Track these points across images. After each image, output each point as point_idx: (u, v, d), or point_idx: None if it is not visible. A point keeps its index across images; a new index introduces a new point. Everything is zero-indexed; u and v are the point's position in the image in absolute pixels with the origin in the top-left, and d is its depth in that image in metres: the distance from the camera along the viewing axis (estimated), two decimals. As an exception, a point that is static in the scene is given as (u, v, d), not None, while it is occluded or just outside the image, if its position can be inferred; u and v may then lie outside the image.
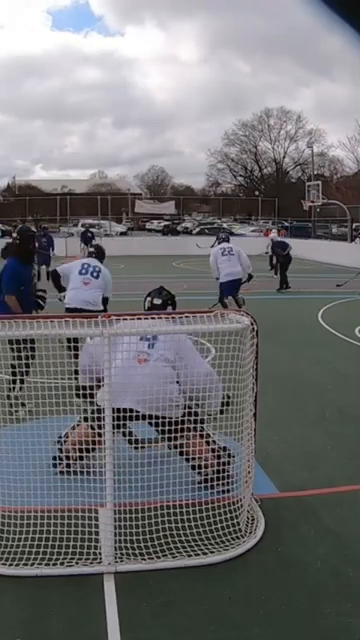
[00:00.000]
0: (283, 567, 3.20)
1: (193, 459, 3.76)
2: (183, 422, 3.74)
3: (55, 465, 3.82)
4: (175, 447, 3.78)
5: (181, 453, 3.77)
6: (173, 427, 3.63)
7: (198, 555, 3.21)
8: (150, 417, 3.70)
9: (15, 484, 3.41)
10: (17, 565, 3.11)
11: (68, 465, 3.78)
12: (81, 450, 3.84)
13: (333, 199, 33.47)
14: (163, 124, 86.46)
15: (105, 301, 6.89)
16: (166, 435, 3.66)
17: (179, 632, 2.70)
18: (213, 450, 3.80)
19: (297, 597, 2.93)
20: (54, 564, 3.11)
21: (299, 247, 30.79)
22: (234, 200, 52.81)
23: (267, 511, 3.69)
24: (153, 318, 3.57)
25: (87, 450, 3.82)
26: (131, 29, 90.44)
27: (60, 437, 3.96)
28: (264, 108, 55.69)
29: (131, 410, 3.54)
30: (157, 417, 3.63)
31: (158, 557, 3.18)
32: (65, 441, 3.94)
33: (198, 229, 39.39)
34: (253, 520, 3.57)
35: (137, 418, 3.65)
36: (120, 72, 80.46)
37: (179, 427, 3.69)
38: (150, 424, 3.78)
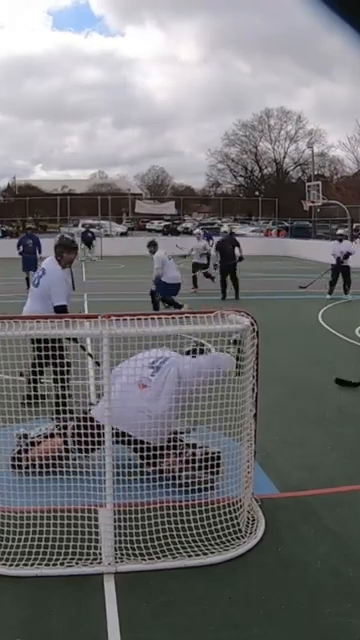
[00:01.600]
0: (283, 567, 3.20)
1: (179, 477, 3.72)
2: (164, 448, 3.73)
3: (13, 466, 3.76)
4: (160, 472, 3.77)
5: (167, 477, 3.75)
6: (157, 453, 3.65)
7: (198, 555, 3.21)
8: (141, 442, 3.69)
9: (15, 484, 3.42)
10: (17, 565, 3.11)
11: (26, 467, 3.74)
12: (47, 458, 3.82)
13: (333, 199, 33.46)
14: (163, 124, 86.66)
15: (59, 311, 5.50)
16: (150, 460, 3.70)
17: (179, 632, 2.70)
18: (195, 461, 3.74)
19: (297, 597, 2.93)
20: (54, 564, 3.11)
21: (299, 247, 30.95)
22: (234, 200, 52.81)
23: (267, 511, 3.69)
24: (153, 318, 3.56)
25: (55, 458, 3.81)
26: (131, 29, 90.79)
27: (25, 436, 3.94)
28: (264, 108, 55.82)
29: (123, 434, 3.52)
30: (146, 442, 3.64)
31: (158, 557, 3.18)
32: (32, 446, 3.92)
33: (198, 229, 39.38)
34: (253, 520, 3.57)
35: (128, 442, 3.66)
36: (120, 72, 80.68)
37: (160, 453, 3.68)
38: (135, 449, 3.76)
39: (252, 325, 3.53)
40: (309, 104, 73.61)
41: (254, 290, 14.63)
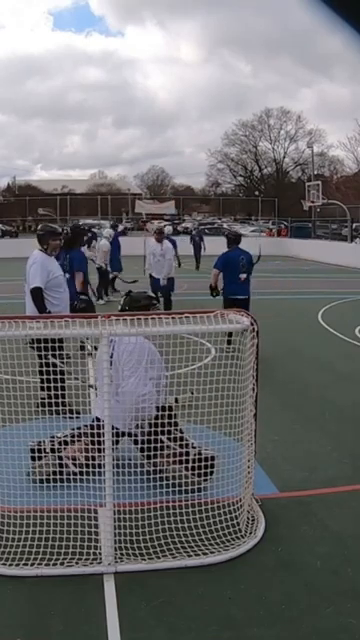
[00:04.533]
0: (283, 567, 3.20)
1: (173, 478, 3.71)
2: (157, 440, 3.71)
3: (33, 458, 3.83)
4: (154, 465, 3.77)
5: (158, 473, 3.75)
6: (151, 445, 3.64)
7: (198, 555, 3.21)
8: (129, 434, 3.72)
9: (15, 484, 3.41)
10: (17, 565, 3.11)
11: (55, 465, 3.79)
12: (74, 458, 3.85)
13: (333, 199, 33.48)
14: (163, 124, 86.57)
15: (33, 293, 5.61)
16: (145, 453, 3.70)
17: (179, 632, 2.70)
18: (188, 461, 3.74)
19: (297, 597, 2.93)
20: (54, 564, 3.11)
21: (299, 247, 30.95)
22: (234, 200, 52.85)
23: (267, 511, 3.69)
24: (153, 318, 3.56)
25: (87, 458, 3.81)
26: (132, 29, 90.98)
27: (53, 437, 3.97)
28: (264, 108, 55.76)
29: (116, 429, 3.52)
30: (134, 434, 3.67)
31: (158, 557, 3.18)
32: (65, 446, 3.94)
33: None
34: (253, 520, 3.57)
35: (121, 435, 3.70)
36: (121, 72, 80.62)
37: (154, 445, 3.67)
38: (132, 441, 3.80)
39: (252, 325, 3.53)
40: (310, 104, 73.56)
41: (254, 290, 14.59)
